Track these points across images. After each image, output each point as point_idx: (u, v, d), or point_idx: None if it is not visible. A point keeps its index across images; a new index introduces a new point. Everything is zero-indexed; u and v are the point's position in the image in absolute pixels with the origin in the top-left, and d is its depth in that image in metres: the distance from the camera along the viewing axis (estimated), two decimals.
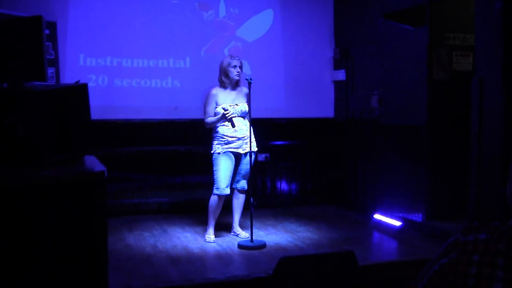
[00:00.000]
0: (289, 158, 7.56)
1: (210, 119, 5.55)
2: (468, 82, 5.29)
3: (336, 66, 7.60)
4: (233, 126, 5.45)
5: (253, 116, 5.58)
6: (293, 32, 7.54)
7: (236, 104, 5.55)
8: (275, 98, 7.48)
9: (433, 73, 5.81)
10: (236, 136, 5.51)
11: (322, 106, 7.69)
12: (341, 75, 7.48)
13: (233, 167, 5.57)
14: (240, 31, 7.34)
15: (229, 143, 5.51)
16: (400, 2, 6.25)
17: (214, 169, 5.56)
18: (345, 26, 7.50)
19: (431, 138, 5.86)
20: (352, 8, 7.36)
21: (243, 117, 5.60)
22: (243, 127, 5.56)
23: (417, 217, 5.97)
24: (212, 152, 5.57)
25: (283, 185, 7.58)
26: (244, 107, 5.58)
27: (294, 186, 7.63)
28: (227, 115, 5.40)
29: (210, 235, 5.63)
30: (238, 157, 5.60)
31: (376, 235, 6.09)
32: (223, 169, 5.50)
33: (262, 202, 7.22)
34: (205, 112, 5.61)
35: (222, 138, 5.51)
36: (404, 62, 6.13)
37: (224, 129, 5.51)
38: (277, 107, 7.49)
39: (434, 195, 5.88)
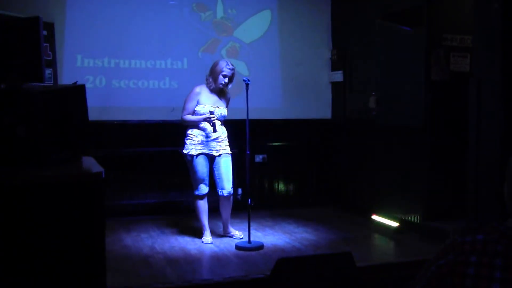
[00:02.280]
0: (287, 159, 7.57)
1: (190, 117, 5.52)
2: (466, 83, 5.29)
3: (334, 67, 7.61)
4: (215, 131, 5.44)
5: (250, 117, 5.57)
6: (290, 33, 7.54)
7: (217, 107, 5.55)
8: (272, 99, 7.48)
9: (431, 74, 5.81)
10: (210, 137, 5.48)
11: (320, 107, 7.70)
12: (338, 76, 7.49)
13: (208, 167, 5.55)
14: (238, 32, 7.34)
15: (202, 143, 5.49)
16: (398, 3, 6.25)
17: (190, 172, 5.56)
18: (342, 27, 7.51)
19: (428, 139, 5.86)
20: (350, 9, 7.37)
21: (221, 121, 5.58)
22: (218, 129, 5.51)
23: (415, 218, 5.98)
24: (185, 152, 5.53)
25: (281, 186, 7.58)
26: (224, 111, 5.59)
27: (291, 187, 7.64)
28: (212, 119, 5.40)
29: (207, 236, 5.63)
30: (212, 159, 5.57)
31: (374, 236, 6.10)
32: (200, 172, 5.51)
33: (260, 203, 7.21)
34: (184, 108, 5.57)
35: (196, 137, 5.49)
36: (402, 63, 6.13)
37: (201, 127, 5.48)
38: (274, 108, 7.49)
39: (432, 196, 5.88)
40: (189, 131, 5.55)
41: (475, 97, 5.05)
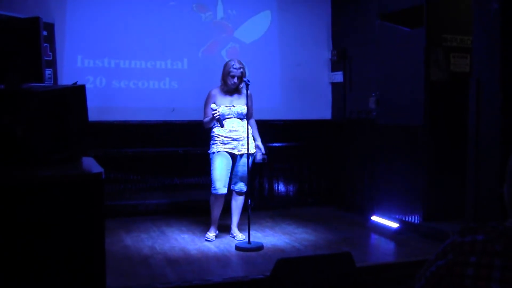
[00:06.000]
0: (287, 159, 7.56)
1: (205, 119, 5.62)
2: (465, 83, 5.30)
3: (334, 67, 7.61)
4: (222, 126, 5.48)
5: None
6: (290, 34, 7.55)
7: (233, 106, 5.59)
8: (272, 99, 7.48)
9: (431, 74, 5.82)
10: (231, 137, 5.55)
11: (320, 108, 7.70)
12: (338, 76, 7.49)
13: (229, 167, 5.60)
14: (238, 33, 7.35)
15: (223, 143, 5.55)
16: (397, 3, 6.25)
17: (210, 169, 5.61)
18: (342, 28, 7.51)
19: (428, 139, 5.87)
20: (350, 10, 7.37)
21: (240, 119, 5.62)
22: (239, 128, 5.58)
23: (415, 218, 5.98)
24: (209, 152, 5.63)
25: (281, 187, 7.58)
26: (241, 108, 5.60)
27: (291, 187, 7.64)
28: (214, 115, 5.43)
29: (211, 233, 5.70)
30: (234, 157, 5.62)
31: (374, 237, 6.09)
32: (218, 169, 5.54)
33: (260, 203, 7.21)
34: (204, 113, 5.67)
35: (218, 138, 5.57)
36: (402, 63, 6.13)
37: (219, 129, 5.55)
38: (274, 109, 7.49)
39: (432, 196, 5.88)
40: (212, 132, 5.62)
41: (474, 97, 5.05)
